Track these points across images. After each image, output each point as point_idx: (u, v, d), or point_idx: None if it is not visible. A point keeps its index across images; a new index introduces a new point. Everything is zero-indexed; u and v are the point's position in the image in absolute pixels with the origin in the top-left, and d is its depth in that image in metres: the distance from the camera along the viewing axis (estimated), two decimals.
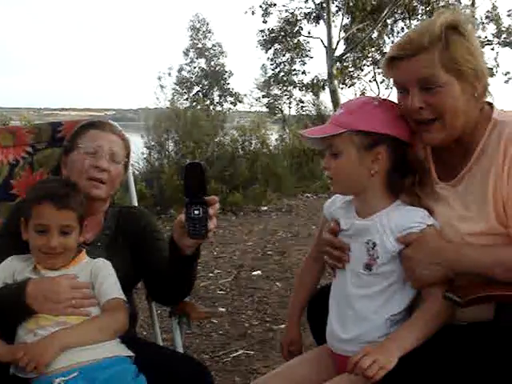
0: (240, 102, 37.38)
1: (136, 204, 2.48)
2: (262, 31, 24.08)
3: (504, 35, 22.88)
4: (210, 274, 5.40)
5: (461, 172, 1.67)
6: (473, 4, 19.90)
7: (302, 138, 1.76)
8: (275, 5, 21.86)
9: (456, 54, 1.57)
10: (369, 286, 1.68)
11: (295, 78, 27.87)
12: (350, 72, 24.11)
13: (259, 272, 5.44)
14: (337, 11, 20.93)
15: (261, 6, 21.66)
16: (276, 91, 31.94)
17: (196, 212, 1.64)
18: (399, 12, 21.45)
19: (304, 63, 26.62)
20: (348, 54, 21.87)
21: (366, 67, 25.01)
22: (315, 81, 24.61)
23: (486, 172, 1.60)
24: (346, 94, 22.39)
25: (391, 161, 1.66)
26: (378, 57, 23.95)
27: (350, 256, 1.73)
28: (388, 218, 1.66)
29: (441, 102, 1.59)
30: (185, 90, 37.36)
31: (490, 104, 1.70)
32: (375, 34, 21.95)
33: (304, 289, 2.06)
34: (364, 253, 1.69)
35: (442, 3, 19.81)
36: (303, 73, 26.67)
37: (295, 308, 2.07)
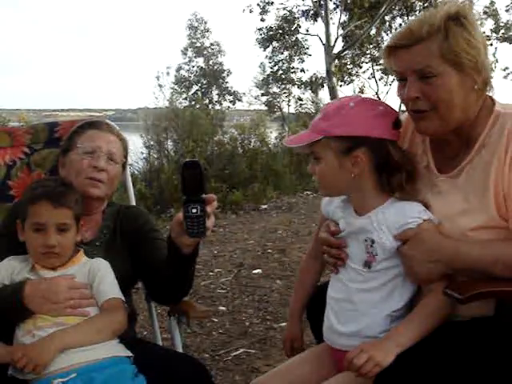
0: (239, 100, 37.49)
1: (134, 203, 2.47)
2: (259, 29, 24.11)
3: (502, 30, 22.88)
4: (211, 273, 5.39)
5: (461, 164, 1.66)
6: None
7: (287, 145, 1.76)
8: (273, 3, 21.86)
9: (456, 45, 1.56)
10: (368, 281, 1.68)
11: (294, 76, 27.98)
12: (348, 69, 24.11)
13: (259, 270, 5.43)
14: (335, 8, 20.91)
15: (258, 4, 21.66)
16: (275, 89, 31.97)
17: (194, 210, 1.63)
18: (397, 9, 21.42)
19: (302, 61, 26.69)
20: (346, 52, 21.85)
21: (364, 64, 25.06)
22: (314, 78, 24.66)
23: (488, 164, 1.59)
24: (345, 92, 22.41)
25: (374, 161, 1.64)
26: (377, 54, 23.97)
27: (348, 253, 1.73)
28: (384, 214, 1.65)
29: (436, 92, 1.58)
30: (183, 90, 37.37)
31: (491, 97, 1.69)
32: (373, 31, 21.93)
33: (304, 287, 2.06)
34: (363, 250, 1.68)
35: None
36: (302, 70, 26.75)
37: (296, 306, 2.07)
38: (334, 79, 19.08)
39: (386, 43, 1.71)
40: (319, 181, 1.72)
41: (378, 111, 1.66)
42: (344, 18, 21.12)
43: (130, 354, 1.79)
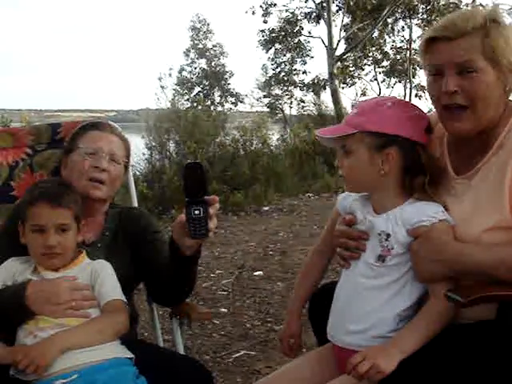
0: (241, 102, 37.46)
1: (136, 205, 2.47)
2: (262, 31, 24.15)
3: None
4: (212, 275, 5.39)
5: (478, 164, 1.66)
6: (473, 2, 19.87)
7: (318, 137, 1.78)
8: (275, 5, 21.88)
9: (496, 43, 1.58)
10: (379, 277, 1.68)
11: (296, 78, 27.99)
12: (350, 71, 24.14)
13: (261, 272, 5.43)
14: (337, 11, 20.93)
15: (261, 6, 21.67)
16: (277, 91, 31.92)
17: (196, 212, 1.63)
18: (399, 11, 21.45)
19: (305, 63, 26.72)
20: (349, 54, 21.86)
21: (366, 66, 25.13)
22: (316, 80, 24.65)
23: (504, 164, 1.59)
24: (347, 94, 22.46)
25: (403, 161, 1.67)
26: (379, 56, 24.03)
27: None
28: (401, 211, 1.67)
29: (475, 87, 1.59)
30: (186, 91, 37.33)
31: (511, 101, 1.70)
32: (376, 34, 21.96)
33: (306, 284, 2.05)
34: (377, 244, 1.69)
35: (442, 2, 19.81)
36: (304, 72, 26.79)
37: (297, 303, 2.06)
38: (336, 81, 19.06)
39: (425, 35, 1.70)
40: (346, 175, 1.74)
41: (413, 114, 1.70)
42: (346, 20, 21.18)
43: (132, 356, 1.79)
